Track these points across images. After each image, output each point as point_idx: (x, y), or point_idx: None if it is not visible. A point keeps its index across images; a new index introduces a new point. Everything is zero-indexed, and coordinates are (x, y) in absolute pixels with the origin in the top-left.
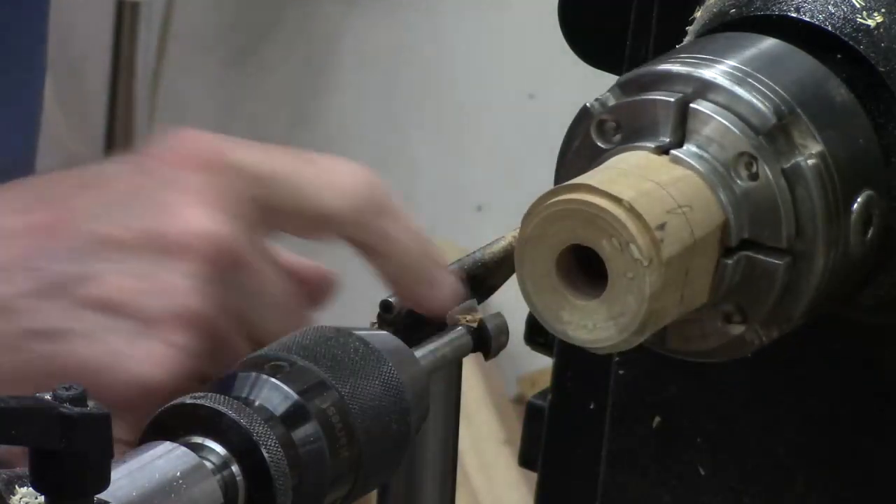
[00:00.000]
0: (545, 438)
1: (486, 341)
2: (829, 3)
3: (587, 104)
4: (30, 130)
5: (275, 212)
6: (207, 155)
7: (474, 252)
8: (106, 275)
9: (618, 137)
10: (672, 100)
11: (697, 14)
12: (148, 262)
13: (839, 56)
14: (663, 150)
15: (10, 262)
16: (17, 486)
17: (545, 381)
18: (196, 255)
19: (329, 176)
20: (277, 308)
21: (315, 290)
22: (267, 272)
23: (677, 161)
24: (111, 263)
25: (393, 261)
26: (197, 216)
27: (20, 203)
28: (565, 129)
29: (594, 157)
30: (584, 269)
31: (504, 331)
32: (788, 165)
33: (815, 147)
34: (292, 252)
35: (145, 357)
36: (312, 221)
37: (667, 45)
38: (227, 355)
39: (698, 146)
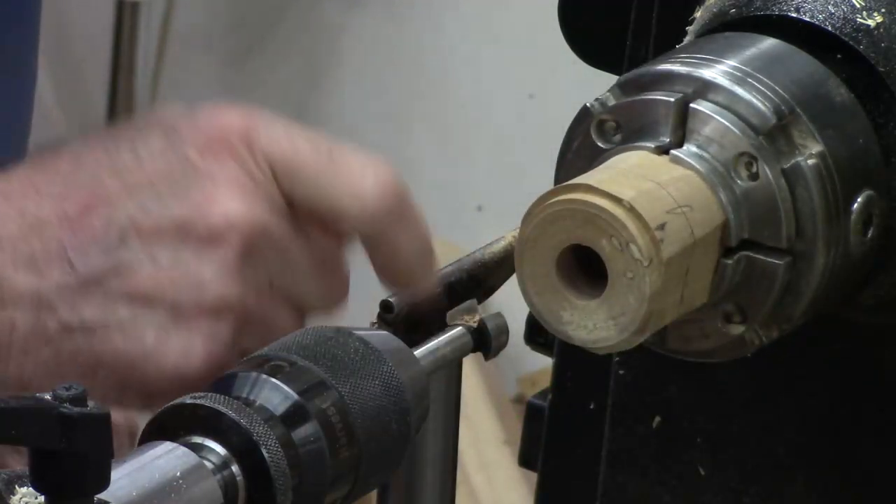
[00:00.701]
0: (545, 438)
1: (486, 341)
2: (829, 3)
3: (587, 104)
4: (20, 132)
5: (292, 203)
6: (237, 138)
7: (474, 252)
8: (140, 267)
9: (618, 137)
10: (672, 100)
11: (697, 14)
12: (181, 252)
13: (839, 56)
14: (663, 150)
15: (44, 253)
16: (17, 486)
17: (545, 381)
18: (229, 243)
19: (350, 176)
20: (313, 275)
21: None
22: (298, 248)
23: (677, 161)
24: (145, 255)
25: (388, 262)
26: (227, 204)
27: (51, 186)
28: (565, 129)
29: (594, 157)
30: (584, 269)
31: (504, 331)
32: (788, 165)
33: (815, 147)
34: None
35: (181, 349)
36: (327, 220)
37: (667, 45)
38: (272, 329)
39: (698, 146)
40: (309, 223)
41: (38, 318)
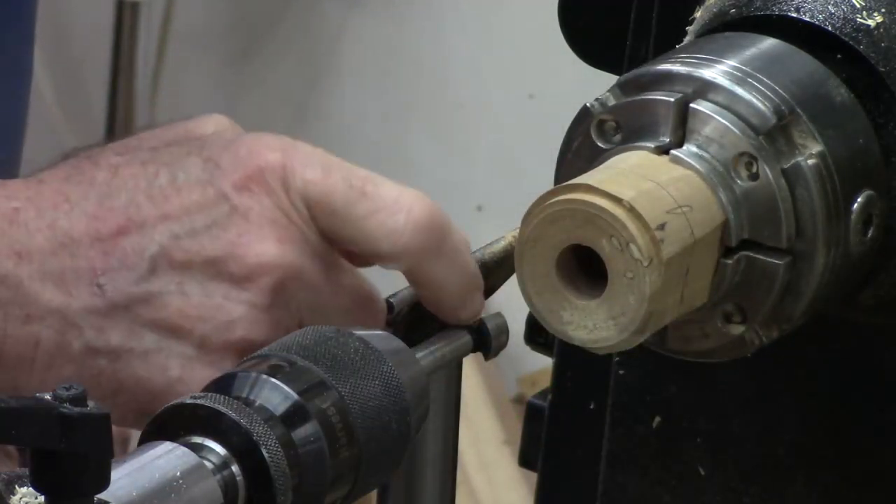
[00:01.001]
0: (545, 438)
1: (486, 341)
2: (829, 3)
3: (587, 104)
4: (15, 131)
5: (327, 238)
6: (274, 177)
7: (474, 252)
8: (168, 297)
9: (618, 137)
10: (672, 100)
11: (697, 14)
12: (212, 288)
13: (839, 56)
14: (663, 150)
15: (73, 272)
16: (17, 486)
17: (545, 381)
18: (260, 283)
19: (382, 210)
20: (347, 313)
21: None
22: (330, 287)
23: (677, 161)
24: (175, 286)
25: (432, 295)
26: (261, 245)
27: (85, 201)
28: (565, 129)
29: (594, 157)
30: (584, 269)
31: (504, 331)
32: (788, 165)
33: (815, 147)
34: None
35: (199, 383)
36: (363, 256)
37: (667, 45)
38: None
39: (698, 146)
40: (343, 255)
41: (62, 337)
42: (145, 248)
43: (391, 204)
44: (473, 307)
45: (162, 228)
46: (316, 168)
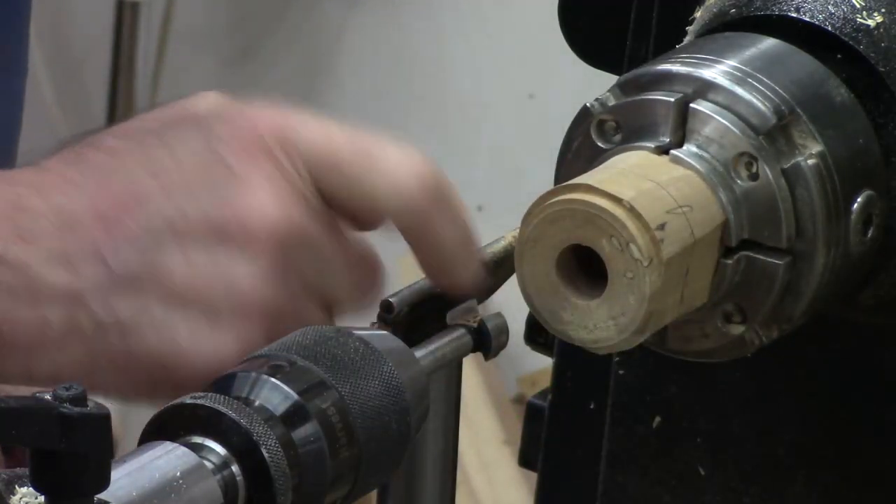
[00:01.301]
0: (545, 438)
1: (486, 341)
2: (829, 3)
3: (587, 104)
4: (10, 131)
5: (329, 200)
6: (272, 138)
7: None
8: (173, 266)
9: (618, 137)
10: (672, 100)
11: (697, 14)
12: (216, 254)
13: (839, 56)
14: (663, 150)
15: (78, 251)
16: (17, 486)
17: (545, 381)
18: (262, 243)
19: (387, 170)
20: (346, 278)
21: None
22: (333, 247)
23: (677, 161)
24: (179, 255)
25: (431, 255)
26: (262, 205)
27: (86, 182)
28: (565, 129)
29: (594, 157)
30: (584, 269)
31: (504, 331)
32: (788, 165)
33: (815, 147)
34: None
35: (213, 349)
36: (365, 214)
37: (667, 45)
38: (300, 323)
39: (698, 146)
40: (345, 218)
41: (71, 316)
42: (148, 221)
43: (396, 161)
44: (472, 269)
45: (163, 201)
46: (318, 129)
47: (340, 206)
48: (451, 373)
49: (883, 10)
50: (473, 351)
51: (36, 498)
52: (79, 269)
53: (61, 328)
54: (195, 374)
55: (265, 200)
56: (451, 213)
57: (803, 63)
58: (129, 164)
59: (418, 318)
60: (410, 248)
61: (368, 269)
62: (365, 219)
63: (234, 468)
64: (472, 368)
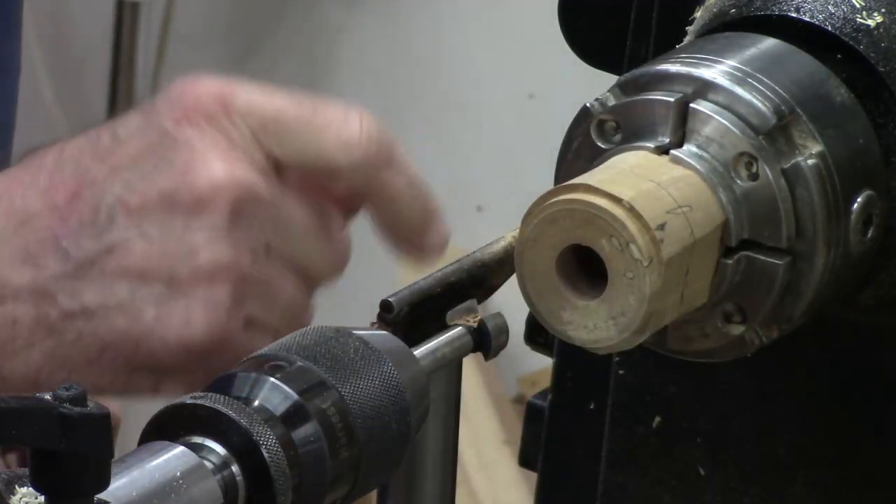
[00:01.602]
0: (545, 438)
1: (486, 341)
2: (829, 3)
3: (587, 104)
4: (5, 130)
5: (278, 162)
6: (213, 105)
7: (474, 252)
8: (131, 244)
9: (618, 137)
10: (672, 100)
11: (697, 14)
12: (170, 223)
13: (839, 56)
14: (663, 150)
15: (37, 245)
16: (17, 486)
17: (545, 381)
18: (215, 206)
19: (334, 126)
20: (310, 236)
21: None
22: (289, 204)
23: (677, 161)
24: (134, 231)
25: (389, 211)
26: (209, 168)
27: (37, 180)
28: (565, 129)
29: (594, 157)
30: (584, 269)
31: (504, 331)
32: (788, 165)
33: (815, 147)
34: None
35: (182, 319)
36: (315, 173)
37: (667, 45)
38: (275, 294)
39: (698, 146)
40: (302, 184)
41: (38, 310)
42: (100, 202)
43: (341, 119)
44: (434, 225)
45: (112, 180)
46: (259, 94)
47: (293, 167)
48: (451, 373)
49: (883, 10)
50: (473, 351)
51: (36, 498)
52: (40, 262)
53: (29, 323)
54: (169, 349)
55: (211, 164)
56: (401, 165)
57: (803, 63)
58: (76, 155)
59: (418, 318)
60: (368, 211)
61: (333, 235)
62: (321, 183)
63: (234, 468)
64: (472, 368)
